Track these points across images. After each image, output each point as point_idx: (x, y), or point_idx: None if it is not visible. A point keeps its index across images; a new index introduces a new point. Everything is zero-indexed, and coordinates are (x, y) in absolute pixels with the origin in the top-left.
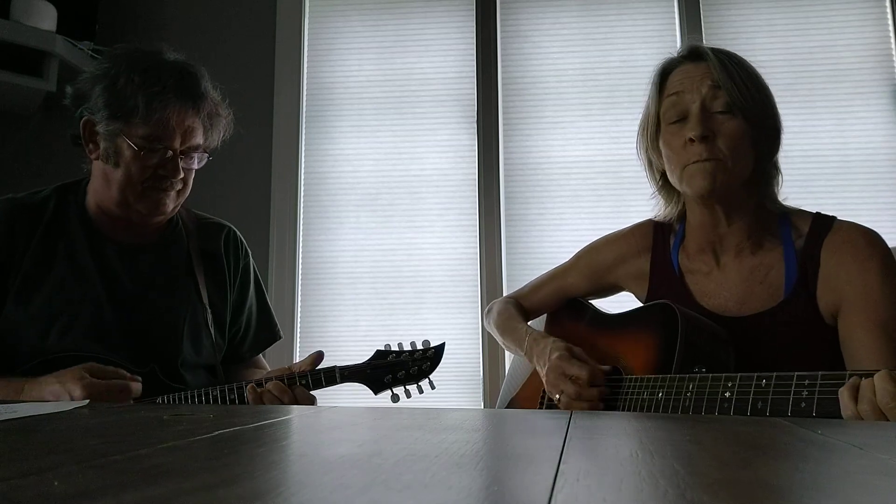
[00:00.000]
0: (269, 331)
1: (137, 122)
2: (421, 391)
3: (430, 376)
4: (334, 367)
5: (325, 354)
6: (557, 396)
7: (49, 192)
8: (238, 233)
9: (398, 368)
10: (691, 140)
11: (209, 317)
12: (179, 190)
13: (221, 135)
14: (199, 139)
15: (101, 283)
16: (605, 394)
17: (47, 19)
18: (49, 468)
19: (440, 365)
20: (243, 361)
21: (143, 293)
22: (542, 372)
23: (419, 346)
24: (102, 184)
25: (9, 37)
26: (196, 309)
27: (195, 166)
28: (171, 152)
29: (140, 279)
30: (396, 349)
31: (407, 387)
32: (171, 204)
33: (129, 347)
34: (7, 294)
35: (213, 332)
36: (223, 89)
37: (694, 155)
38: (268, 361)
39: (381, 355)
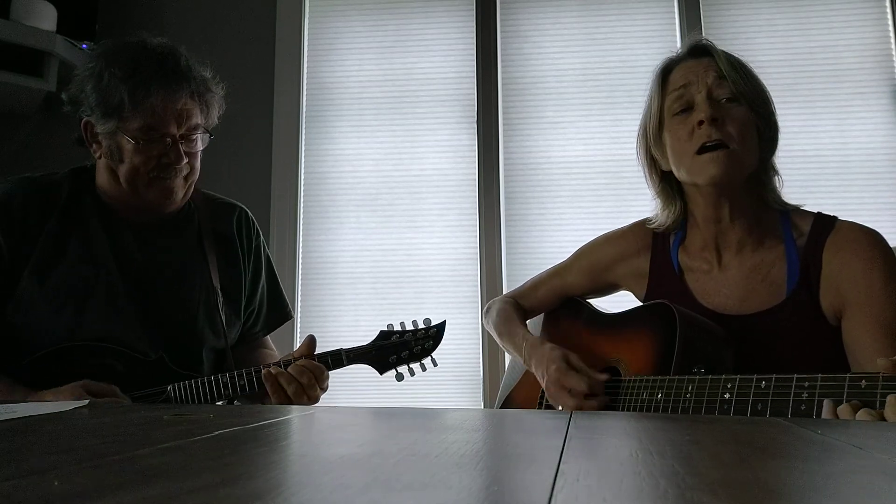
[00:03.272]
0: (280, 310)
1: (128, 115)
2: (424, 369)
3: (433, 354)
4: (340, 349)
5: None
6: (560, 407)
7: (64, 175)
8: (249, 213)
9: (402, 348)
10: (699, 124)
11: (220, 299)
12: (187, 175)
13: (218, 111)
14: (196, 119)
15: (116, 263)
16: (606, 403)
17: (47, 19)
18: (49, 468)
19: (439, 361)
20: (254, 341)
21: (156, 273)
22: (542, 383)
23: (421, 325)
24: (110, 178)
25: (9, 37)
26: (209, 290)
27: (198, 148)
28: (170, 139)
29: (154, 259)
30: (399, 329)
31: (410, 365)
32: (181, 190)
33: (143, 328)
34: (23, 272)
35: (222, 313)
36: (210, 64)
37: (703, 137)
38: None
39: (384, 336)
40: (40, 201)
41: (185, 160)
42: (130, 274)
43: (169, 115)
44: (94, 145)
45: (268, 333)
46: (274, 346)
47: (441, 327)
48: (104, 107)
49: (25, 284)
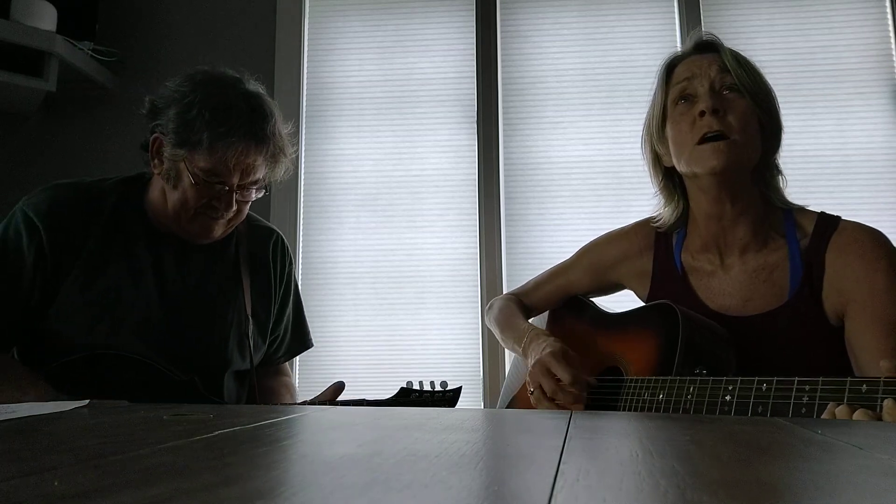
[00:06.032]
0: (302, 338)
1: (200, 154)
2: None
3: None
4: (363, 399)
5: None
6: (531, 390)
7: (113, 184)
8: (285, 239)
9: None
10: (701, 114)
11: (251, 326)
12: (231, 218)
13: (283, 171)
14: (258, 175)
15: (155, 282)
16: (583, 404)
17: (47, 19)
18: (49, 468)
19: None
20: (274, 365)
21: (193, 296)
22: (530, 364)
23: (438, 387)
24: (160, 197)
25: (9, 37)
26: (241, 316)
27: (251, 199)
28: (227, 188)
29: (192, 281)
30: (418, 388)
31: None
32: (221, 230)
33: (174, 350)
34: (65, 280)
35: (251, 339)
36: (292, 128)
37: (704, 127)
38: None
39: (404, 393)
40: (87, 210)
41: (234, 208)
42: (168, 295)
43: (237, 168)
44: (156, 160)
45: (288, 360)
46: (290, 373)
47: (457, 392)
48: (181, 136)
49: (66, 293)
